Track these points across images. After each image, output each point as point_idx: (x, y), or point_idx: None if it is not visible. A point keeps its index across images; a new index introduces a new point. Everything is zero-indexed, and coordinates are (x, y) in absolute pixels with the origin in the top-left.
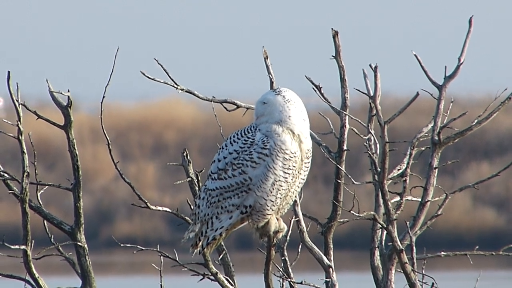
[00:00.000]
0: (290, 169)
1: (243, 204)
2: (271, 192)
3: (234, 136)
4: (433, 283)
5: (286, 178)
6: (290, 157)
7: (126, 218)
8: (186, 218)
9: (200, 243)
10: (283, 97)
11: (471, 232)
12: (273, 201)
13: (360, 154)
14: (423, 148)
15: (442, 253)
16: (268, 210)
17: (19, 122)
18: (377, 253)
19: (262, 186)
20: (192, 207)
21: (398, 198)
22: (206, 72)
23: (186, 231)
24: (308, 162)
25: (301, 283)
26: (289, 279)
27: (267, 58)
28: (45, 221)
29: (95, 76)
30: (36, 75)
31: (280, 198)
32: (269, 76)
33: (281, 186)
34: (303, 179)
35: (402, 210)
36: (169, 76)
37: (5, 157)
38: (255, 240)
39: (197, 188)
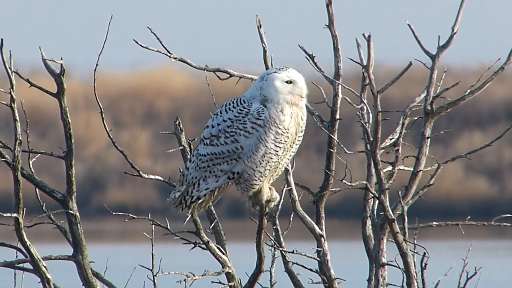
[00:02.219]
0: (282, 143)
1: (231, 170)
2: (260, 164)
3: (229, 104)
4: (424, 253)
5: (277, 151)
6: (283, 132)
7: (118, 186)
8: (179, 183)
9: (184, 203)
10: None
11: (463, 202)
12: (261, 172)
13: (352, 124)
14: (416, 118)
15: (434, 223)
16: (256, 180)
17: (11, 90)
18: (368, 222)
19: (252, 157)
20: (182, 170)
21: (390, 168)
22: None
23: (172, 191)
24: (301, 136)
25: (292, 252)
26: (280, 248)
27: (260, 27)
28: (37, 189)
29: (88, 44)
30: (29, 43)
31: (269, 169)
32: (263, 45)
33: (271, 158)
34: (294, 152)
35: (394, 179)
36: (162, 45)
37: None
38: (246, 209)
39: (189, 157)
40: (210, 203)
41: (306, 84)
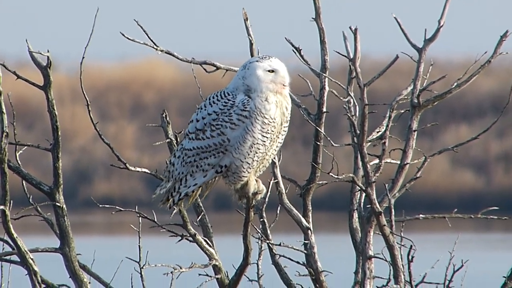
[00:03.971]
0: (268, 133)
1: (218, 164)
2: (248, 155)
3: (214, 97)
4: (411, 246)
5: (264, 142)
6: (269, 121)
7: (105, 178)
8: (163, 178)
9: (171, 199)
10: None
11: (450, 195)
12: (249, 164)
13: (339, 116)
14: (403, 111)
15: (421, 215)
16: (244, 172)
17: None
18: (355, 215)
19: (240, 148)
20: (167, 165)
21: (377, 161)
22: (185, 34)
23: (158, 187)
24: (287, 126)
25: (279, 244)
26: (267, 241)
27: (247, 20)
28: (23, 181)
29: (75, 37)
30: (15, 35)
31: (257, 161)
32: (249, 38)
33: (259, 149)
34: (281, 143)
35: (381, 172)
36: (149, 37)
37: None
38: (233, 202)
39: (175, 149)
40: (198, 198)
41: (289, 73)
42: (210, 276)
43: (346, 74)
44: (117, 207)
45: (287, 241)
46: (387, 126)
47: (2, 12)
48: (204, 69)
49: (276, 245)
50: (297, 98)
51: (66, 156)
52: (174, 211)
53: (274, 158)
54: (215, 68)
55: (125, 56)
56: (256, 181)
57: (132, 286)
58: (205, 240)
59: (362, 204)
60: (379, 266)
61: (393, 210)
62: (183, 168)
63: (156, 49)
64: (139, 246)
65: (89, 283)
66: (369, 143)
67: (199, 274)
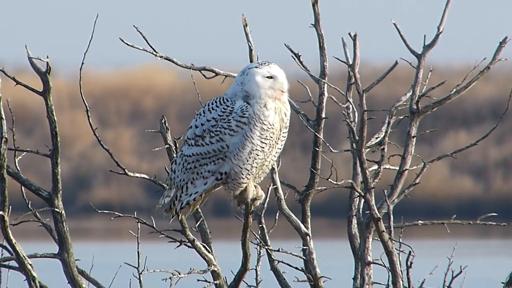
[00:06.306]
0: (267, 139)
1: (218, 171)
2: (247, 161)
3: (212, 103)
4: (410, 252)
5: (263, 148)
6: (268, 128)
7: (104, 184)
8: (164, 185)
9: (174, 208)
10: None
11: (449, 201)
12: (248, 170)
13: (338, 122)
14: (401, 117)
15: (420, 221)
16: (243, 178)
17: None
18: (354, 221)
19: (239, 154)
20: (169, 173)
21: (376, 167)
22: (185, 39)
23: (161, 197)
24: (286, 132)
25: (278, 250)
26: (266, 247)
27: (246, 26)
28: (22, 187)
29: (74, 43)
30: (15, 41)
31: (256, 167)
32: (248, 44)
33: (258, 155)
34: (280, 148)
35: (380, 178)
36: (148, 43)
37: None
38: (232, 207)
39: (175, 155)
40: (198, 205)
41: (288, 79)
42: (209, 282)
43: (345, 80)
44: (116, 212)
45: (286, 247)
46: (386, 132)
47: (1, 18)
48: (203, 75)
49: (275, 251)
50: (296, 104)
51: (65, 162)
52: (173, 217)
53: (273, 164)
54: (214, 74)
55: (124, 62)
56: (255, 187)
57: None
58: (203, 246)
59: (361, 210)
60: (378, 272)
61: (392, 216)
62: (184, 175)
63: (156, 55)
64: (137, 251)
65: None
66: (368, 149)
67: (198, 280)
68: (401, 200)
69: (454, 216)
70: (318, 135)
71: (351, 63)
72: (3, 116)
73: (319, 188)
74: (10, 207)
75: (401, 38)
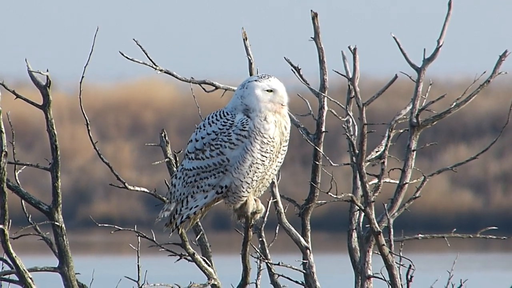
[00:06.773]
0: (267, 152)
1: (219, 185)
2: (247, 174)
3: (212, 117)
4: (410, 265)
5: (264, 161)
6: (268, 141)
7: (104, 198)
8: (164, 198)
9: (174, 222)
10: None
11: (449, 215)
12: (249, 183)
13: (338, 136)
14: (401, 131)
15: (420, 235)
16: (244, 192)
17: None
18: (354, 235)
19: (239, 168)
20: (169, 187)
21: (376, 180)
22: (185, 53)
23: (161, 210)
24: (286, 146)
25: (278, 264)
26: (266, 260)
27: (246, 39)
28: (22, 201)
29: (74, 56)
30: (15, 55)
31: (256, 180)
32: (248, 57)
33: (258, 169)
34: (280, 162)
35: (380, 192)
36: (148, 57)
37: None
38: (232, 221)
39: (175, 169)
40: (198, 219)
41: (288, 92)
42: None
43: (345, 94)
44: (116, 226)
45: (286, 261)
46: (386, 145)
47: (1, 32)
48: (203, 89)
49: (275, 264)
50: (296, 117)
51: (65, 176)
52: (173, 231)
53: (274, 178)
54: (214, 87)
55: (124, 76)
56: (255, 200)
57: None
58: (204, 260)
59: (361, 223)
60: (378, 286)
61: (392, 230)
62: (184, 189)
63: (155, 69)
64: (138, 265)
65: None
66: (368, 163)
67: None
68: (401, 213)
69: (454, 229)
70: (318, 148)
71: (351, 76)
72: (3, 130)
73: (319, 202)
74: (10, 220)
75: (401, 51)
